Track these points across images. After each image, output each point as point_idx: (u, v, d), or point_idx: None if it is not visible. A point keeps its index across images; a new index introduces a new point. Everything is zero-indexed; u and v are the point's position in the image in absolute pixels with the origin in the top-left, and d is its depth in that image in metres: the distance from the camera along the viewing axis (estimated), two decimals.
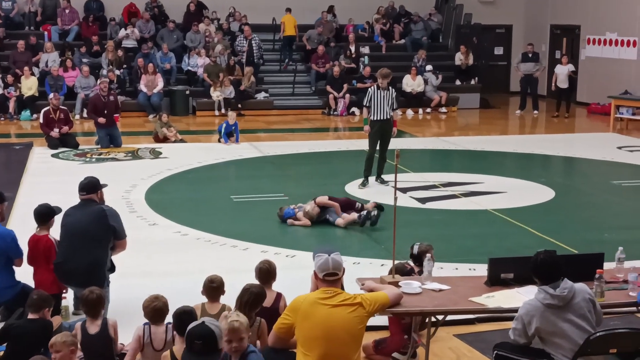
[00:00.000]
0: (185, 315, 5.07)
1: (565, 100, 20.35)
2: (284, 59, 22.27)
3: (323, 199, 9.85)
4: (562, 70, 20.12)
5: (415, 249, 6.49)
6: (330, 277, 4.91)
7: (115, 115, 15.10)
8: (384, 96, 11.48)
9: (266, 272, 5.90)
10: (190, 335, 4.40)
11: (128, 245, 6.73)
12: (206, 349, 4.38)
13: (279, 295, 5.90)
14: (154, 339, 5.26)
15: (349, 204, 9.98)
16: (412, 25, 23.37)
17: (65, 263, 6.37)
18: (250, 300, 5.38)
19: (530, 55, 20.83)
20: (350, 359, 4.74)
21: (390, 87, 11.68)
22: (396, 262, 6.36)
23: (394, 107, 11.66)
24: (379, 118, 11.54)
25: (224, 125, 15.57)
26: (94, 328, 5.39)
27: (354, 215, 9.60)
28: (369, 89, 11.90)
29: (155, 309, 5.30)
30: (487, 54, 24.65)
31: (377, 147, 11.68)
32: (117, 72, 19.56)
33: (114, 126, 15.05)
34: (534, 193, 11.54)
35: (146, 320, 5.37)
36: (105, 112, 14.85)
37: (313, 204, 9.76)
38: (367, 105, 11.60)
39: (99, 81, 16.35)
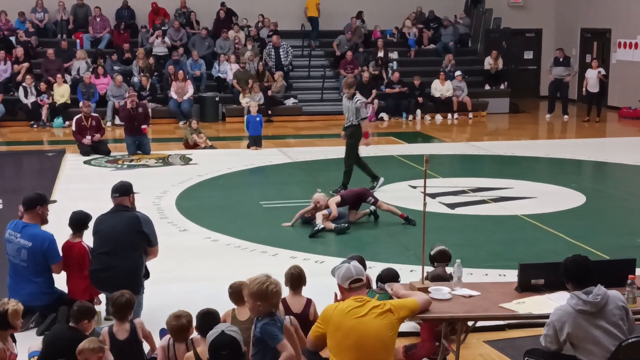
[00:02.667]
0: (208, 316, 5.06)
1: (596, 104, 20.15)
2: (309, 42, 22.63)
3: (332, 202, 9.95)
4: (592, 75, 19.94)
5: (434, 251, 6.60)
6: (356, 284, 4.92)
7: (143, 126, 15.27)
8: (348, 105, 11.61)
9: (297, 278, 5.93)
10: (214, 346, 4.38)
11: (159, 251, 6.80)
12: (233, 356, 4.40)
13: (309, 301, 5.92)
14: (179, 356, 5.27)
15: (359, 198, 10.07)
16: (442, 30, 23.32)
17: (102, 270, 6.43)
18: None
19: (561, 59, 20.69)
20: None
21: (355, 97, 11.68)
22: (434, 269, 6.41)
23: (360, 117, 11.61)
24: (345, 125, 11.79)
25: (246, 118, 15.89)
26: (122, 333, 5.41)
27: (332, 225, 9.71)
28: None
29: (178, 327, 5.28)
30: (517, 59, 24.51)
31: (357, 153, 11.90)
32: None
33: (143, 135, 15.20)
34: (564, 198, 11.46)
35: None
36: (136, 123, 15.05)
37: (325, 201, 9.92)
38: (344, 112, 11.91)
39: (127, 94, 16.53)
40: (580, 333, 4.88)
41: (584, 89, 20.16)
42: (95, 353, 4.98)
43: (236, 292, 5.67)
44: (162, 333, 5.91)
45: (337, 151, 15.55)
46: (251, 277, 4.88)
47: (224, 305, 5.73)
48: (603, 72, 20.10)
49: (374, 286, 6.33)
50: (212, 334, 4.46)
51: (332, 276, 5.14)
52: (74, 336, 5.35)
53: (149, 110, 16.69)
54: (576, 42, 24.36)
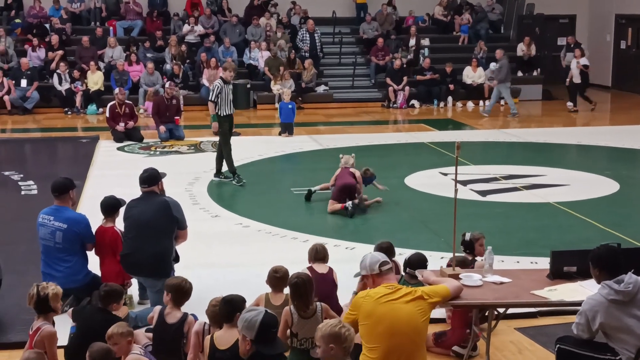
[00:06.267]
0: (233, 302, 5.05)
1: (580, 94, 19.42)
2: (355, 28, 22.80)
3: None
4: (573, 65, 19.32)
5: (467, 236, 6.54)
6: (386, 266, 4.98)
7: (176, 117, 15.50)
8: (228, 92, 11.26)
9: (322, 250, 6.31)
10: (265, 325, 4.42)
11: (191, 237, 6.88)
12: (276, 334, 4.52)
13: (331, 269, 6.23)
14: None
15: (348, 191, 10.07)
16: (474, 16, 23.12)
17: (133, 255, 6.50)
18: (301, 284, 5.40)
19: (572, 45, 20.46)
20: (415, 353, 4.72)
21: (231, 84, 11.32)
22: (458, 255, 6.39)
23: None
24: (228, 113, 11.34)
25: (279, 106, 16.16)
26: (172, 318, 5.42)
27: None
28: (216, 83, 11.47)
29: (216, 313, 5.24)
30: (550, 45, 24.22)
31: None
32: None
33: (174, 123, 15.46)
34: (597, 186, 11.36)
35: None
36: (167, 114, 15.30)
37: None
38: (215, 100, 11.31)
39: (167, 84, 16.69)
40: (613, 322, 4.85)
41: (567, 80, 19.58)
42: (125, 337, 5.05)
43: (277, 278, 5.72)
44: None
45: (368, 138, 15.57)
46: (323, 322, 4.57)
47: (254, 290, 5.78)
48: (584, 62, 19.29)
49: (402, 272, 6.34)
50: (256, 314, 4.44)
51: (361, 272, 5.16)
52: (105, 317, 5.43)
53: (181, 104, 16.91)
54: (610, 28, 24.02)
